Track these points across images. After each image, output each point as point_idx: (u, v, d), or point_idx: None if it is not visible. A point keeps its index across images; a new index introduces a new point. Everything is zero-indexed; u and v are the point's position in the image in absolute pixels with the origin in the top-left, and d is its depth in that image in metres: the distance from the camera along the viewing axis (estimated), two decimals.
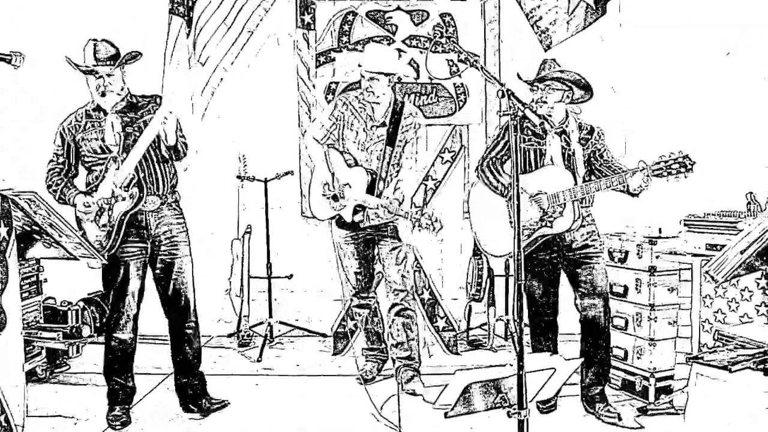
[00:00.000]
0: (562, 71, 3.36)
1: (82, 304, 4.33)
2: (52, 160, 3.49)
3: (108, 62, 3.31)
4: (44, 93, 4.61)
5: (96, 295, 4.40)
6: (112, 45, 3.38)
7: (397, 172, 3.80)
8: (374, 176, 3.78)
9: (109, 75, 3.32)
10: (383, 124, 3.80)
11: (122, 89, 3.40)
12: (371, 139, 3.81)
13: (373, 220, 3.78)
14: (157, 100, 3.49)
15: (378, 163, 3.78)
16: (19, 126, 4.77)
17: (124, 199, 3.32)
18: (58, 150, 3.47)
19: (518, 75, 3.43)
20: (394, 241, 3.86)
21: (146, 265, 3.46)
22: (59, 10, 4.74)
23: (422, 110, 4.63)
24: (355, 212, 3.78)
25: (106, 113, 3.40)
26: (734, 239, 2.39)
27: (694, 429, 2.90)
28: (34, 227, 2.42)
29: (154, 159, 3.41)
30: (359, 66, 3.81)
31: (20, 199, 2.28)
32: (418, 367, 3.93)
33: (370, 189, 3.77)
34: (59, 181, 3.46)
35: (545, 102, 3.40)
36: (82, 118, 3.44)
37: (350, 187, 3.77)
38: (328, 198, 3.84)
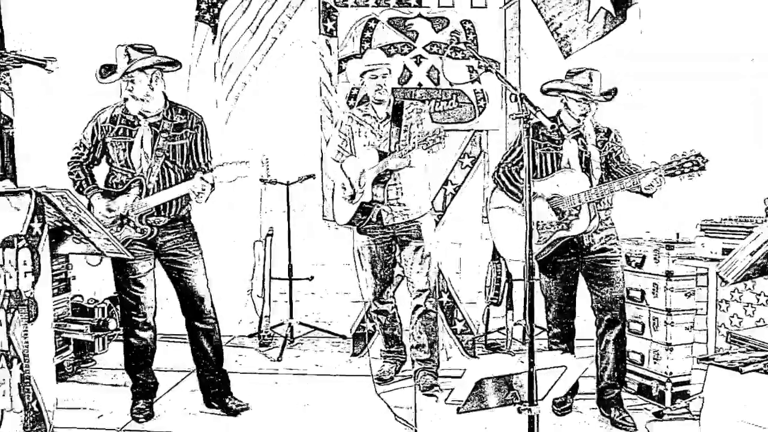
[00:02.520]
0: (567, 82, 3.42)
1: (108, 302, 4.46)
2: (77, 148, 3.47)
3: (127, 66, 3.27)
4: (57, 92, 4.74)
5: None
6: (140, 50, 3.33)
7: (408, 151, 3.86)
8: (385, 155, 3.84)
9: (131, 80, 3.30)
10: (387, 116, 3.90)
11: (147, 95, 3.34)
12: (380, 137, 3.90)
13: (396, 217, 3.86)
14: (195, 118, 3.47)
15: (388, 148, 3.86)
16: (33, 125, 4.91)
17: (135, 227, 3.36)
18: (85, 141, 3.46)
19: (541, 89, 3.49)
20: (417, 241, 3.92)
21: (154, 264, 3.49)
22: (77, 10, 4.88)
23: (442, 115, 4.70)
24: (373, 194, 3.83)
25: (139, 123, 3.39)
26: (745, 241, 2.41)
27: None
28: (65, 223, 2.52)
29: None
30: (366, 66, 3.89)
31: (53, 195, 2.38)
32: (437, 370, 3.96)
33: None
34: (80, 173, 3.46)
35: (570, 109, 3.44)
36: (117, 120, 3.42)
37: (365, 170, 3.85)
38: (346, 199, 3.92)
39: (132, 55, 3.28)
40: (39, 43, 4.86)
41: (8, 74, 4.69)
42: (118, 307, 4.42)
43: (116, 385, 4.03)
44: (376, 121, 3.92)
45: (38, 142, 4.89)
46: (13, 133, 4.98)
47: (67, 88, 4.70)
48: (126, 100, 3.36)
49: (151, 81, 3.35)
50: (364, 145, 3.92)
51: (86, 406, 3.73)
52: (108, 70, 3.32)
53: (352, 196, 3.90)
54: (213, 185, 3.33)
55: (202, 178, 3.28)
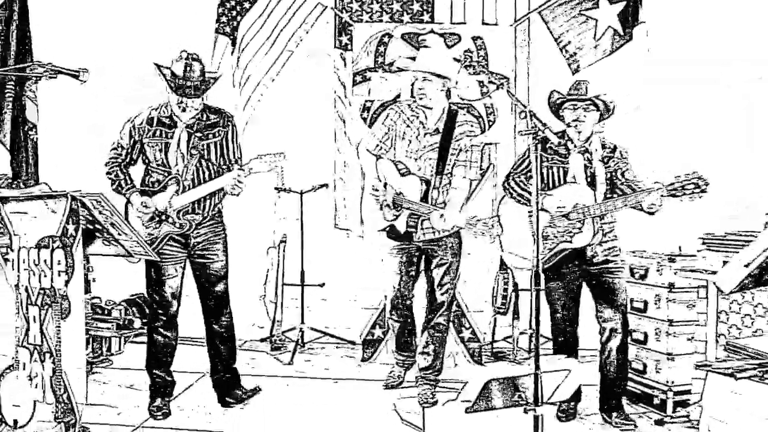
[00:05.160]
0: (578, 93, 3.52)
1: (124, 304, 4.61)
2: (115, 149, 3.64)
3: (197, 83, 3.47)
4: (86, 101, 4.90)
5: (138, 297, 4.67)
6: (200, 62, 3.51)
7: (450, 180, 3.78)
8: (428, 185, 3.77)
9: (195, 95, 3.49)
10: (436, 131, 3.78)
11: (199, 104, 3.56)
12: (424, 147, 3.78)
13: (427, 234, 3.80)
14: (227, 117, 3.66)
15: (431, 171, 3.76)
16: (63, 134, 5.07)
17: (173, 222, 3.52)
18: (122, 142, 3.63)
19: (549, 104, 3.58)
20: (445, 256, 3.85)
21: (185, 266, 3.66)
22: (102, 21, 5.04)
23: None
24: (408, 225, 3.79)
25: (176, 125, 3.57)
26: (740, 253, 2.53)
27: None
28: (96, 225, 2.66)
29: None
30: (412, 68, 3.84)
31: (87, 199, 2.53)
32: (437, 376, 3.99)
33: (424, 198, 3.75)
34: (119, 173, 3.62)
35: (583, 121, 3.56)
36: (153, 122, 3.59)
37: (403, 195, 3.75)
38: (384, 204, 3.81)
39: (194, 68, 3.46)
40: (62, 52, 5.02)
41: (35, 83, 4.86)
42: (134, 309, 4.62)
43: (132, 387, 4.15)
44: (424, 128, 3.78)
45: (60, 147, 5.06)
46: (37, 138, 5.15)
47: (81, 95, 4.86)
48: (183, 110, 3.53)
49: None
50: (407, 151, 3.79)
51: (105, 403, 3.85)
52: (172, 75, 3.47)
53: (390, 205, 3.77)
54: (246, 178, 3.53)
55: (239, 172, 3.48)
